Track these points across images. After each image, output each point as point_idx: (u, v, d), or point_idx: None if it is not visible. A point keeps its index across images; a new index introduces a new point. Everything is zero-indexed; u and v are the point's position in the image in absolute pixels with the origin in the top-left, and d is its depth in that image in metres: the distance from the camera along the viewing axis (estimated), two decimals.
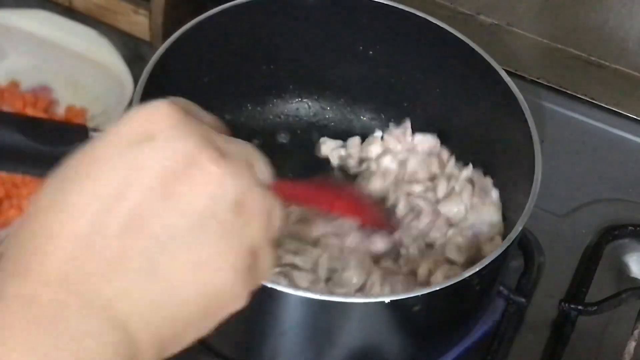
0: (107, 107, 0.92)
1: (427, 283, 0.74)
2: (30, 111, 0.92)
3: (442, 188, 0.82)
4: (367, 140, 0.88)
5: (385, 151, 0.86)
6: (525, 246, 0.84)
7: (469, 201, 0.80)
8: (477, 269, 0.65)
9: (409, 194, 0.82)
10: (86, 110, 0.93)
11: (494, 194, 0.81)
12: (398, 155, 0.86)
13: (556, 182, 0.90)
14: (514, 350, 0.79)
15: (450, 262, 0.76)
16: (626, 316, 0.83)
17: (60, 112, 0.94)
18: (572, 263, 0.86)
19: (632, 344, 0.80)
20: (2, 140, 0.67)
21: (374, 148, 0.87)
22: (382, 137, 0.88)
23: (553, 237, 0.87)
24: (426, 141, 0.87)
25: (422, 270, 0.75)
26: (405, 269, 0.76)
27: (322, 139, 0.89)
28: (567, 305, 0.82)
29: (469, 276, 0.65)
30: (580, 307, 0.81)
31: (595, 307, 0.81)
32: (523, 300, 0.80)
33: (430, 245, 0.79)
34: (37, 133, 0.68)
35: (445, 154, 0.86)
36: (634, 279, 0.88)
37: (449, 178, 0.84)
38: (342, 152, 0.88)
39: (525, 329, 0.81)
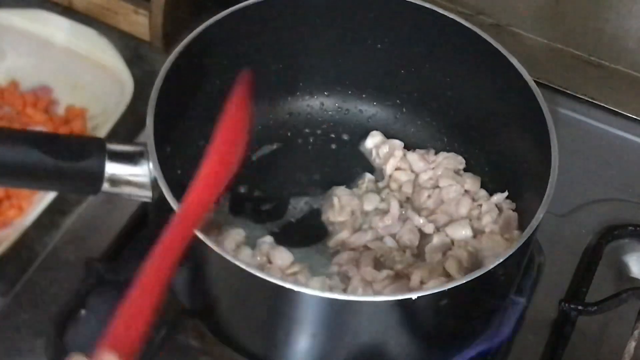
0: (107, 107, 0.92)
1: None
2: (30, 111, 0.92)
3: (465, 205, 0.82)
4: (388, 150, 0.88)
5: (402, 168, 0.86)
6: None
7: (489, 226, 0.80)
8: (502, 260, 0.67)
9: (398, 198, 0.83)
10: (86, 110, 0.93)
11: (516, 232, 0.79)
12: (421, 175, 0.85)
13: (556, 181, 0.90)
14: (514, 350, 0.79)
15: (447, 276, 0.76)
16: (626, 316, 0.83)
17: (60, 112, 0.94)
18: (572, 263, 0.86)
19: (632, 344, 0.80)
20: (20, 158, 0.66)
21: (392, 161, 0.86)
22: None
23: (553, 237, 0.87)
24: (452, 159, 0.86)
25: (415, 278, 0.75)
26: (390, 272, 0.76)
27: (373, 132, 0.89)
28: (567, 305, 0.82)
29: (494, 267, 0.66)
30: (580, 307, 0.81)
31: (595, 307, 0.81)
32: (523, 300, 0.80)
33: (420, 255, 0.79)
34: (53, 149, 0.67)
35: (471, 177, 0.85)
36: (634, 279, 0.88)
37: (473, 198, 0.83)
38: (385, 149, 0.87)
39: (525, 329, 0.81)
